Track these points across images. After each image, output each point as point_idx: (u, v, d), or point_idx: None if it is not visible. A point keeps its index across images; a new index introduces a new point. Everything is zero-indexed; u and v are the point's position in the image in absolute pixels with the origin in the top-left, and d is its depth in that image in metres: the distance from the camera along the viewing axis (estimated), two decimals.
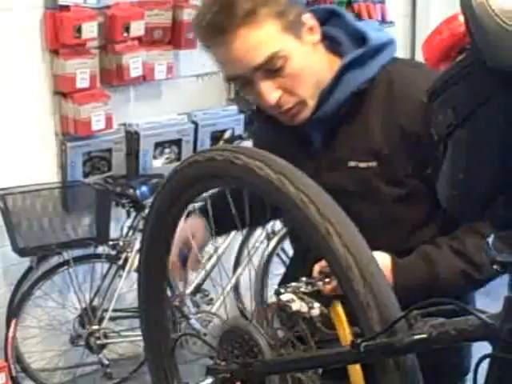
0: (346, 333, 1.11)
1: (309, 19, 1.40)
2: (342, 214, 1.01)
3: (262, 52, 1.35)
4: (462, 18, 0.83)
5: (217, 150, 1.17)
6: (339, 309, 1.13)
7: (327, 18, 1.47)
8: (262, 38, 1.34)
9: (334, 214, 1.01)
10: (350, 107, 1.42)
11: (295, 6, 1.39)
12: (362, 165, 1.41)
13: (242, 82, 1.42)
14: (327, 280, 1.30)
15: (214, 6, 1.35)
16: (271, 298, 1.21)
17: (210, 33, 1.36)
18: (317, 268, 1.34)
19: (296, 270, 1.51)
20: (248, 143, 3.04)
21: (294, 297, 1.19)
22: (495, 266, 0.87)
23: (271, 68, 1.36)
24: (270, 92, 1.38)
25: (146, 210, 3.17)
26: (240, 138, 3.40)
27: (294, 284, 1.22)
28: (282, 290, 1.20)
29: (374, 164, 1.40)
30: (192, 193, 1.23)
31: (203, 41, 1.40)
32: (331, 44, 1.45)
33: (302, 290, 1.22)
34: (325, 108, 1.42)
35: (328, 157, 1.46)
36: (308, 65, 1.39)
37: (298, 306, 1.17)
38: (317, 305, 1.17)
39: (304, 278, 1.26)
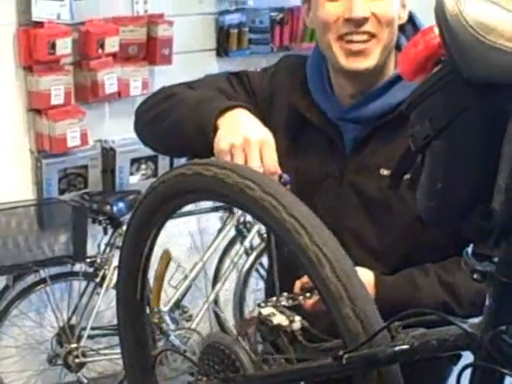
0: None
1: None
2: (324, 229, 1.01)
3: None
4: (437, 30, 0.84)
5: (199, 164, 1.15)
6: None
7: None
8: None
9: (314, 226, 1.01)
10: (393, 115, 1.38)
11: None
12: None
13: None
14: (308, 295, 1.30)
15: None
16: (251, 312, 1.21)
17: None
18: (298, 284, 1.34)
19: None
20: None
21: (275, 311, 1.19)
22: (475, 276, 0.87)
23: None
24: (363, 7, 1.36)
25: (123, 227, 3.15)
26: None
27: (274, 298, 1.22)
28: (263, 304, 1.20)
29: (407, 176, 1.38)
30: (171, 207, 1.22)
31: None
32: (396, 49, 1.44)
33: (283, 303, 1.22)
34: (372, 108, 1.40)
35: (357, 159, 1.42)
36: (395, 24, 1.39)
37: (279, 319, 1.16)
38: (298, 318, 1.17)
39: (285, 293, 1.26)
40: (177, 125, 1.43)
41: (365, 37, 1.38)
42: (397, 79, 1.39)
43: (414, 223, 1.35)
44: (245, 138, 1.26)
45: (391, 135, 1.38)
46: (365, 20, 1.37)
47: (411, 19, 1.47)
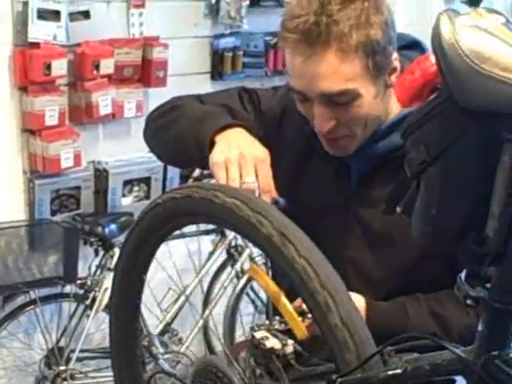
0: (298, 323, 1.11)
1: (395, 61, 1.33)
2: (319, 254, 1.02)
3: (337, 85, 1.27)
4: (433, 58, 0.85)
5: (194, 187, 1.15)
6: (284, 301, 1.14)
7: (405, 47, 1.39)
8: (344, 71, 1.26)
9: (312, 254, 1.01)
10: (400, 152, 1.37)
11: (391, 44, 1.31)
12: None
13: (300, 97, 1.34)
14: (300, 319, 1.30)
15: (316, 15, 1.25)
16: (242, 336, 1.21)
17: (297, 37, 1.27)
18: None
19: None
20: None
21: (268, 334, 1.19)
22: (468, 301, 0.88)
23: (336, 100, 1.29)
24: (325, 120, 1.31)
25: (115, 249, 3.14)
26: (209, 176, 3.40)
27: (267, 322, 1.22)
28: (256, 328, 1.20)
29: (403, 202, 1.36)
30: (167, 230, 1.23)
31: (286, 40, 1.29)
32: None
33: (276, 327, 1.22)
34: (378, 147, 1.38)
35: (362, 192, 1.41)
36: (374, 107, 1.32)
37: (272, 343, 1.16)
38: (290, 342, 1.17)
39: (277, 317, 1.26)
40: (177, 138, 1.43)
41: (340, 134, 1.35)
42: (404, 117, 1.37)
43: (413, 258, 1.35)
44: (240, 153, 1.26)
45: (397, 170, 1.37)
46: (331, 130, 1.33)
47: (418, 46, 1.43)
